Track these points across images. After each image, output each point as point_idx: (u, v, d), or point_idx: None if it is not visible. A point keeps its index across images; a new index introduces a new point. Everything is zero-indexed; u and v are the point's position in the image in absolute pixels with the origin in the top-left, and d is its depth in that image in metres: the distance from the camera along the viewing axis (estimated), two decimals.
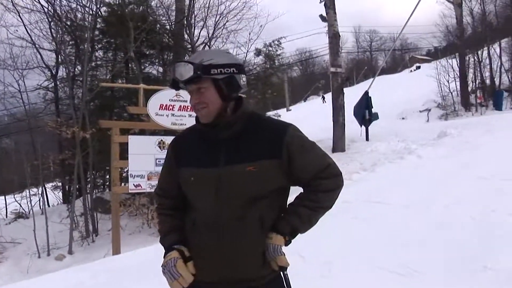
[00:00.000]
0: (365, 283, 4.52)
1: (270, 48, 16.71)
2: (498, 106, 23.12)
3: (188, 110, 9.23)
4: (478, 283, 4.17)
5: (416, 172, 9.50)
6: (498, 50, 25.94)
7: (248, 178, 2.01)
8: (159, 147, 8.90)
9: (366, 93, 15.75)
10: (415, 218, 6.36)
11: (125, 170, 11.93)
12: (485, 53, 25.74)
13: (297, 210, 2.14)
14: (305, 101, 57.18)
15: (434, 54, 52.11)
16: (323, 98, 47.99)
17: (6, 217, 18.54)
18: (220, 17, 17.12)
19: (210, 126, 2.09)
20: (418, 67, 51.42)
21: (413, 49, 70.34)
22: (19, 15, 15.95)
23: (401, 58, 75.18)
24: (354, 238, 5.95)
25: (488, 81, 26.02)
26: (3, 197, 21.11)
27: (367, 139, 14.90)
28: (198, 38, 17.12)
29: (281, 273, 2.11)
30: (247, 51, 17.92)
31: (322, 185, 2.14)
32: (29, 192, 17.65)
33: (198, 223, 2.09)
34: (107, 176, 16.27)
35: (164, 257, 2.14)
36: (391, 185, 8.82)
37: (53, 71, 18.71)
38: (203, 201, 2.08)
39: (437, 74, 25.76)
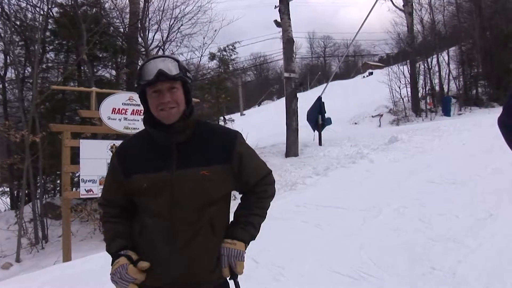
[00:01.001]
0: (318, 286, 4.56)
1: (225, 53, 16.73)
2: (446, 112, 23.84)
3: (141, 114, 9.12)
4: (427, 285, 4.28)
5: (368, 176, 9.68)
6: (446, 58, 26.81)
7: (202, 182, 2.07)
8: (111, 151, 8.75)
9: (319, 98, 15.93)
10: (367, 222, 6.48)
11: (77, 174, 11.67)
12: (434, 60, 26.57)
13: (250, 219, 2.25)
14: (259, 105, 57.35)
15: (386, 61, 53.18)
16: (224, 120, 46.63)
17: None
18: (174, 20, 17.01)
19: (165, 130, 2.09)
20: (371, 73, 52.40)
21: (366, 55, 71.69)
22: None
23: (354, 64, 76.48)
24: (307, 242, 6.01)
25: (437, 88, 26.83)
26: None
27: (320, 143, 15.05)
28: (152, 41, 16.96)
29: (233, 280, 2.18)
30: (201, 55, 17.91)
31: (267, 191, 2.33)
32: None
33: (152, 228, 2.09)
34: (58, 181, 15.89)
35: (112, 265, 2.11)
36: (343, 189, 8.96)
37: (1, 73, 18.16)
38: (158, 205, 2.07)
39: (389, 80, 26.40)
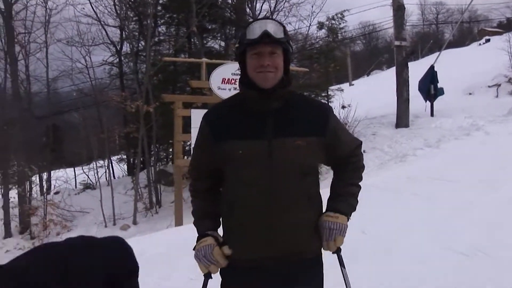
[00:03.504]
0: (428, 262, 4.37)
1: (333, 22, 16.38)
2: None
3: None
4: None
5: (484, 150, 9.14)
6: None
7: (299, 152, 2.01)
8: None
9: (432, 67, 15.19)
10: (483, 198, 6.12)
11: (188, 143, 12.12)
12: None
13: (350, 189, 2.19)
14: (368, 75, 55.97)
15: (506, 26, 49.56)
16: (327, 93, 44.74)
17: (76, 187, 19.36)
18: None
19: (264, 95, 2.03)
20: (488, 40, 49.08)
21: (482, 21, 67.23)
22: None
23: (469, 31, 72.06)
24: (417, 215, 5.80)
25: None
26: (72, 169, 22.05)
27: (432, 114, 14.41)
28: (260, 11, 17.00)
29: (337, 255, 2.15)
30: (310, 24, 17.72)
31: (360, 161, 2.27)
32: (96, 164, 18.32)
33: (248, 198, 2.02)
34: (170, 149, 16.62)
35: (197, 242, 2.12)
36: (456, 162, 8.54)
37: (117, 47, 19.22)
38: (254, 174, 2.00)
39: (509, 46, 24.55)
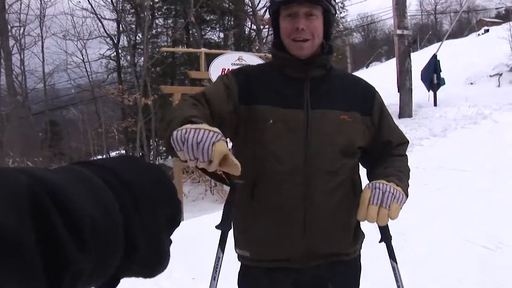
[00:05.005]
0: (447, 256, 4.12)
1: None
2: None
3: None
4: None
5: (493, 138, 8.91)
6: None
7: (341, 127, 1.65)
8: None
9: (435, 56, 14.99)
10: (498, 186, 5.87)
11: None
12: None
13: (402, 176, 1.65)
14: (367, 67, 55.84)
15: (505, 16, 49.29)
16: None
17: None
18: None
19: (301, 62, 1.69)
20: (487, 31, 48.98)
21: (481, 10, 67.01)
22: None
23: (467, 21, 71.91)
24: (429, 207, 5.54)
25: None
26: None
27: (435, 104, 14.24)
28: (260, 1, 16.75)
29: (386, 244, 1.71)
30: None
31: (407, 158, 1.84)
32: None
33: (276, 179, 1.62)
34: None
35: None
36: (466, 151, 8.29)
37: (114, 40, 18.98)
38: (286, 148, 1.63)
39: (510, 35, 24.31)
